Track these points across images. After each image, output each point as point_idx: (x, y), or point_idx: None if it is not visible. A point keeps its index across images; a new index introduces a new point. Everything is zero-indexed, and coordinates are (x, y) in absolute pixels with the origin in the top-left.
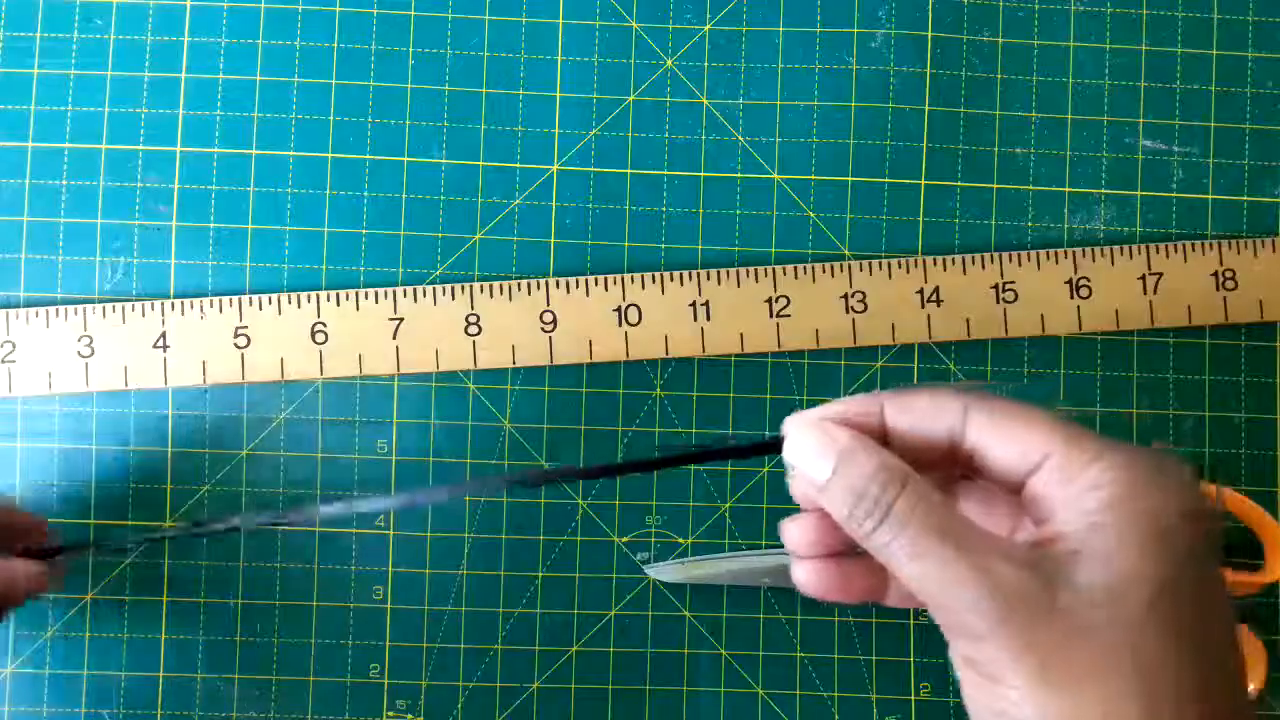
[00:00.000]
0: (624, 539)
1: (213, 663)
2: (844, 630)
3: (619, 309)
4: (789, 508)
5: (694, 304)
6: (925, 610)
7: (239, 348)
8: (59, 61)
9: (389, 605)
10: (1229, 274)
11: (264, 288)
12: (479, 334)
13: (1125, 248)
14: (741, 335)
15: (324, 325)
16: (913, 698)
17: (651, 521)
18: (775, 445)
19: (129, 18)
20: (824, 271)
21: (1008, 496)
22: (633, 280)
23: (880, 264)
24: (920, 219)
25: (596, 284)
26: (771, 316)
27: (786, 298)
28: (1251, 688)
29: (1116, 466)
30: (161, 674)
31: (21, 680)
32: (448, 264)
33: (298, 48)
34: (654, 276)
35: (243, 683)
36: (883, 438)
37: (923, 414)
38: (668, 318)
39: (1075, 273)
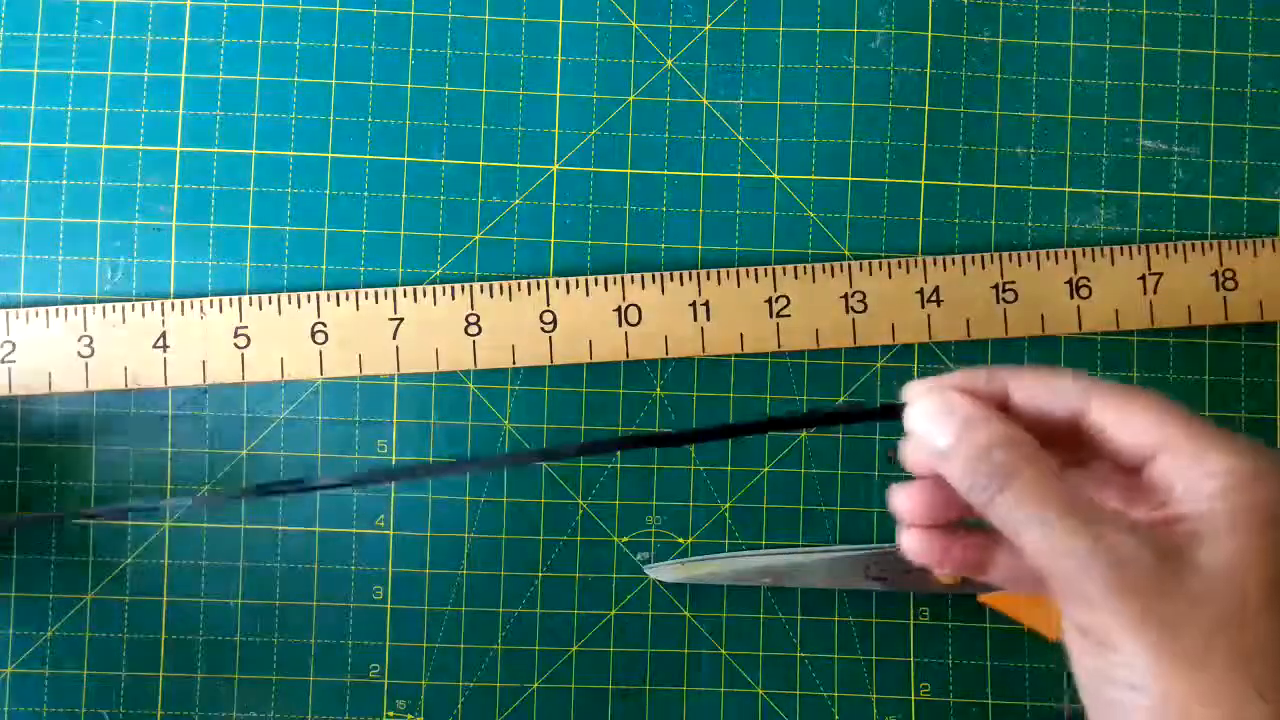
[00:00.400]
0: (624, 539)
1: (213, 663)
2: (844, 630)
3: (619, 309)
4: (789, 507)
5: (694, 304)
6: (926, 612)
7: (239, 348)
8: (59, 61)
9: (389, 605)
10: (1229, 274)
11: (264, 288)
12: (479, 334)
13: (1125, 248)
14: (741, 335)
15: (324, 325)
16: (913, 698)
17: (651, 521)
18: (894, 411)
19: (129, 18)
20: (824, 271)
21: (1120, 481)
22: (633, 280)
23: (880, 264)
24: (920, 219)
25: (596, 284)
26: (771, 316)
27: (786, 298)
28: None
29: (1234, 455)
30: (161, 674)
31: (21, 680)
32: (448, 264)
33: (298, 48)
34: (654, 276)
35: (243, 683)
36: (1003, 411)
37: (1046, 391)
38: (668, 318)
39: (1075, 273)
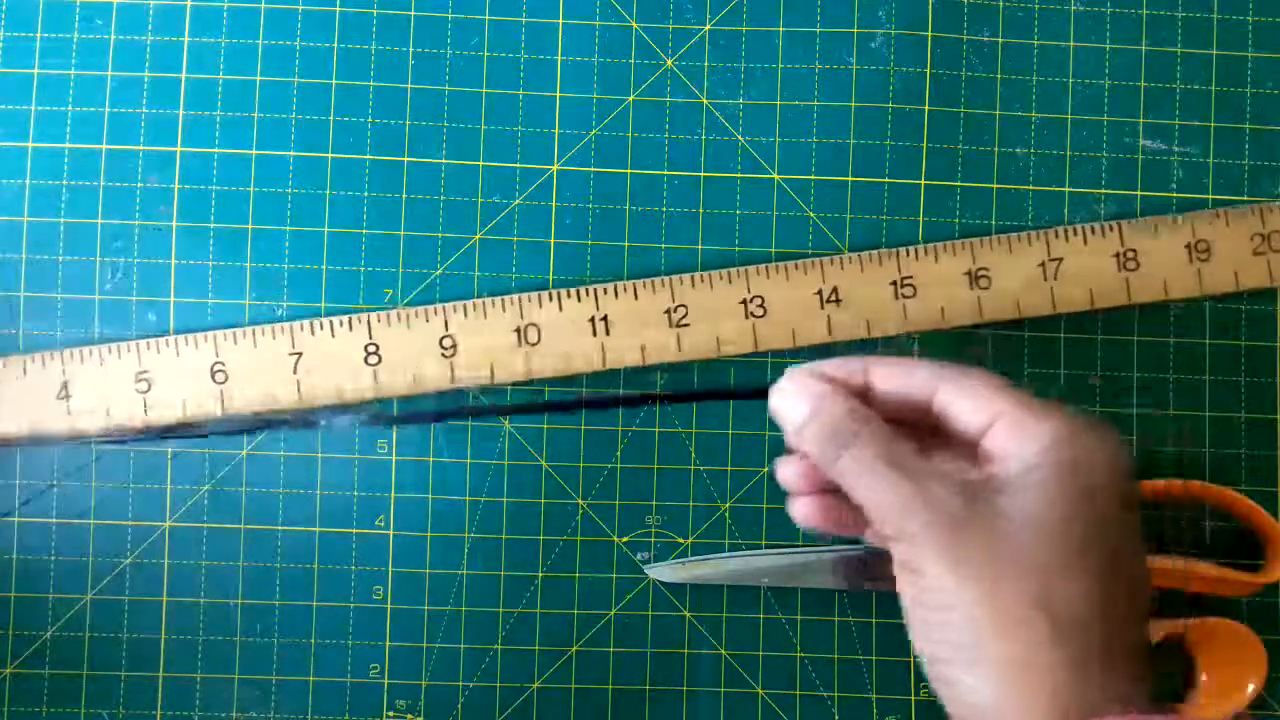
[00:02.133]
0: (624, 539)
1: (213, 663)
2: (844, 630)
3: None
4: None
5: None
6: None
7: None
8: (59, 61)
9: (389, 605)
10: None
11: (264, 288)
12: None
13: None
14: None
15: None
16: (913, 698)
17: (651, 521)
18: (764, 393)
19: (129, 18)
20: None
21: (967, 457)
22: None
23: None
24: (920, 219)
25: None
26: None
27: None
28: (1250, 688)
29: (1053, 421)
30: (161, 674)
31: (21, 680)
32: (448, 264)
33: (298, 48)
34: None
35: (243, 683)
36: (864, 395)
37: (902, 376)
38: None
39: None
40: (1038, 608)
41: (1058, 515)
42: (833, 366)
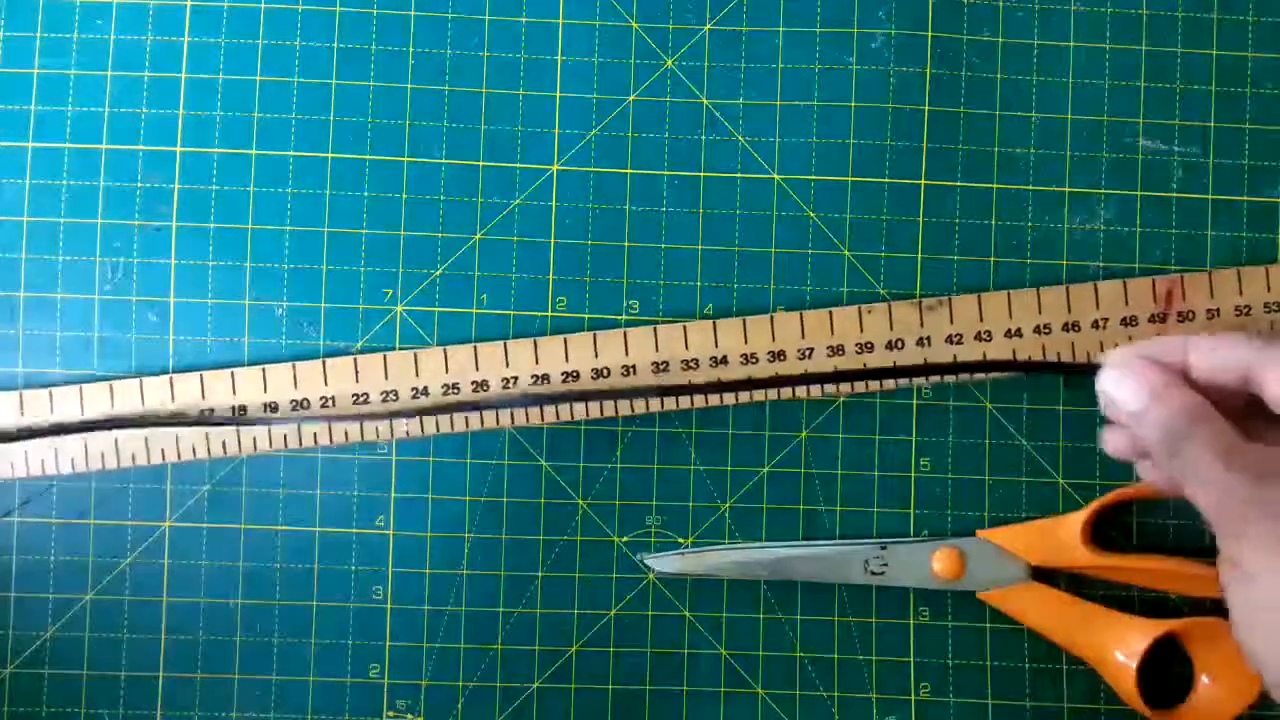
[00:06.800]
0: (624, 539)
1: (213, 663)
2: (844, 630)
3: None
4: (790, 507)
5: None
6: (926, 612)
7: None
8: (59, 61)
9: (389, 605)
10: None
11: (264, 288)
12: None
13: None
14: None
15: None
16: (913, 698)
17: (651, 522)
18: (1092, 370)
19: (129, 18)
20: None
21: None
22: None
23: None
24: (920, 219)
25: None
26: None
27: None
28: (1251, 691)
29: None
30: (161, 674)
31: (22, 680)
32: (448, 264)
33: (298, 48)
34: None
35: (243, 683)
36: (1184, 374)
37: (1218, 354)
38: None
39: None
40: None
41: None
42: (1154, 348)
